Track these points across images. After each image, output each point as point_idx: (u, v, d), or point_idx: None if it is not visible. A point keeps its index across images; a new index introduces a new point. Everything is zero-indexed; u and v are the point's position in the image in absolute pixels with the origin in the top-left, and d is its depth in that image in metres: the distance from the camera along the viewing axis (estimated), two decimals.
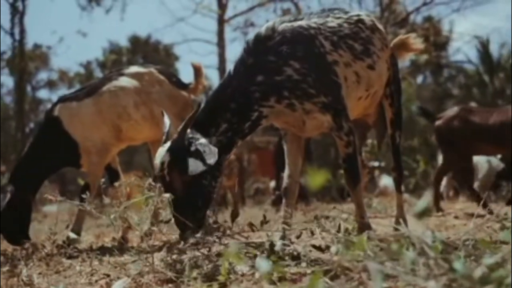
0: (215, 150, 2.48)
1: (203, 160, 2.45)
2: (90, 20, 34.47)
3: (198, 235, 2.48)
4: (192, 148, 2.48)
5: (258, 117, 2.68)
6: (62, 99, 4.41)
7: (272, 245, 2.19)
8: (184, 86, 4.46)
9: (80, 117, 4.23)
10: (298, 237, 2.44)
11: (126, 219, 2.42)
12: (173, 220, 2.47)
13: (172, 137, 2.58)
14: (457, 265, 1.05)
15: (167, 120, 2.76)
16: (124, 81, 4.34)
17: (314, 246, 2.18)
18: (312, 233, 2.28)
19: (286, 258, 2.11)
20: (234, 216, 2.26)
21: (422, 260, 1.17)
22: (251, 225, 2.42)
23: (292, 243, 2.28)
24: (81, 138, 4.20)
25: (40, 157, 4.20)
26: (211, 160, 2.46)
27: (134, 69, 4.49)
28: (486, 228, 2.44)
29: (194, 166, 2.44)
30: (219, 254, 2.22)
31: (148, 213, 2.47)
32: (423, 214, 1.19)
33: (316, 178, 1.15)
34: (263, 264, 1.16)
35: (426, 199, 1.22)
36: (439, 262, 1.13)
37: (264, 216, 2.42)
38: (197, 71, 4.49)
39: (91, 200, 2.75)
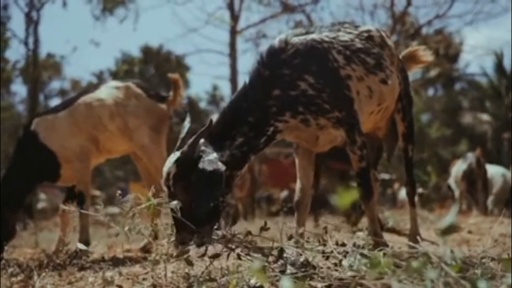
0: (222, 167, 2.42)
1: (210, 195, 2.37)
2: (103, 30, 34.71)
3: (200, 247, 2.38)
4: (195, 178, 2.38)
5: (273, 132, 2.66)
6: (40, 114, 4.51)
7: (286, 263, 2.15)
8: (162, 99, 4.53)
9: (55, 128, 4.26)
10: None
11: (155, 228, 2.40)
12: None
13: (179, 144, 2.52)
14: (481, 284, 1.03)
15: (187, 124, 2.64)
16: (100, 93, 4.41)
17: (326, 257, 2.15)
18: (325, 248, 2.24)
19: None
20: (234, 220, 2.25)
21: (442, 279, 1.15)
22: (249, 233, 2.36)
23: (307, 259, 2.25)
24: (57, 147, 4.21)
25: (20, 172, 4.20)
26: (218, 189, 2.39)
27: (111, 83, 4.61)
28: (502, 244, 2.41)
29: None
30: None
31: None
32: (448, 230, 1.17)
33: (345, 198, 1.14)
34: (288, 283, 1.15)
35: (453, 215, 1.20)
36: (460, 281, 1.12)
37: (265, 223, 2.39)
38: (175, 84, 4.58)
39: (100, 208, 2.71)
